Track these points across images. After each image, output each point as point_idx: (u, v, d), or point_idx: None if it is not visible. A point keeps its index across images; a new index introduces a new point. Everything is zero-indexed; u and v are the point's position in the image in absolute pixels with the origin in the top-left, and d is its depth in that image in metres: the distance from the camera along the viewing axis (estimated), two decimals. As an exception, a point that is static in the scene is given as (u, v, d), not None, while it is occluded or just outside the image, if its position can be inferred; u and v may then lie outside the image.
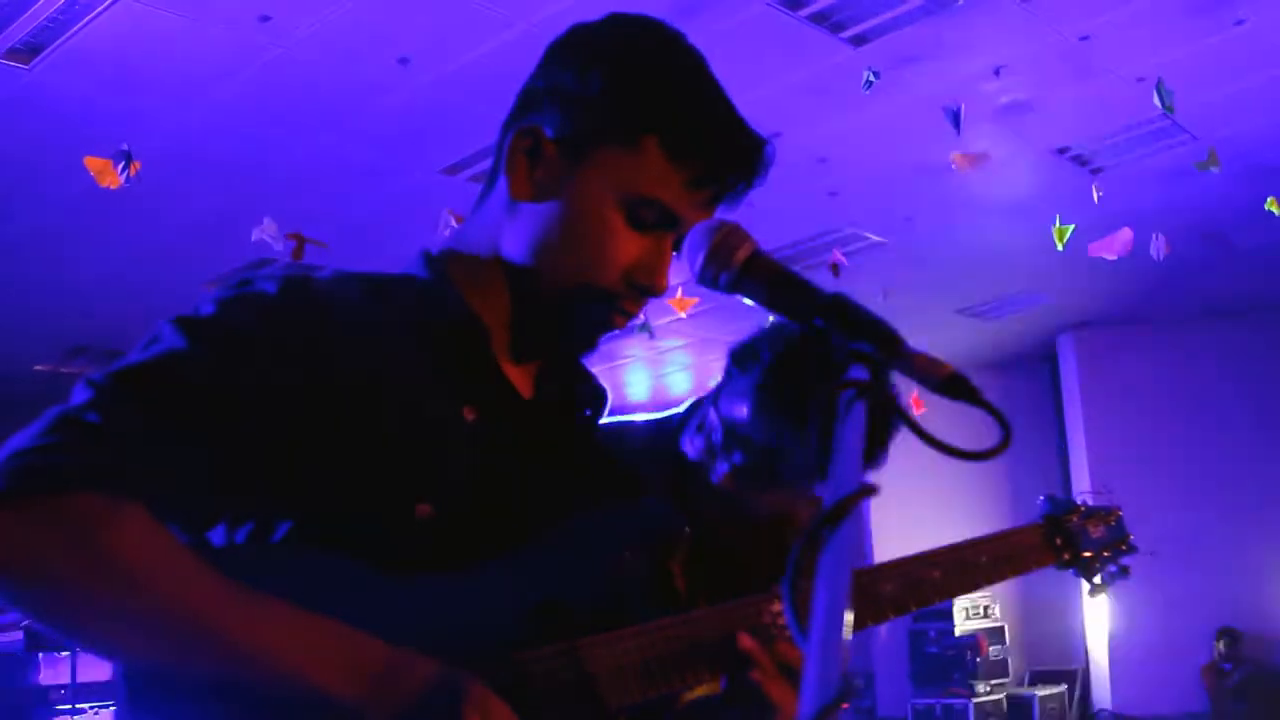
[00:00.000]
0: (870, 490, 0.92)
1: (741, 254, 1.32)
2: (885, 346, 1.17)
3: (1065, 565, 2.06)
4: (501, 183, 1.68)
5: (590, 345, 1.70)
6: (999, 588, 11.67)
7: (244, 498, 1.46)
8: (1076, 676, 13.67)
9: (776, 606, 1.66)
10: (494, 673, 1.41)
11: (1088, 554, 2.05)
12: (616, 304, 1.64)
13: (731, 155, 1.64)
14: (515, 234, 1.65)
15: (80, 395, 1.38)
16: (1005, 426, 1.14)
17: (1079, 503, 2.10)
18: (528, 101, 1.68)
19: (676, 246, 1.64)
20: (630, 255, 1.61)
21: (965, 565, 1.89)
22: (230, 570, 1.37)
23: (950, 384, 1.19)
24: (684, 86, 1.65)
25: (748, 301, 1.33)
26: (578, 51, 1.68)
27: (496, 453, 1.57)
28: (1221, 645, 12.29)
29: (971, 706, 12.43)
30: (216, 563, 1.39)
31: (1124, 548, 2.10)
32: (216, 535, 1.49)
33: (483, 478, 1.54)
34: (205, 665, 1.33)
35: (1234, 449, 12.56)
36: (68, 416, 1.35)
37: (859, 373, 1.12)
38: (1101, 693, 13.10)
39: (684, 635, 1.59)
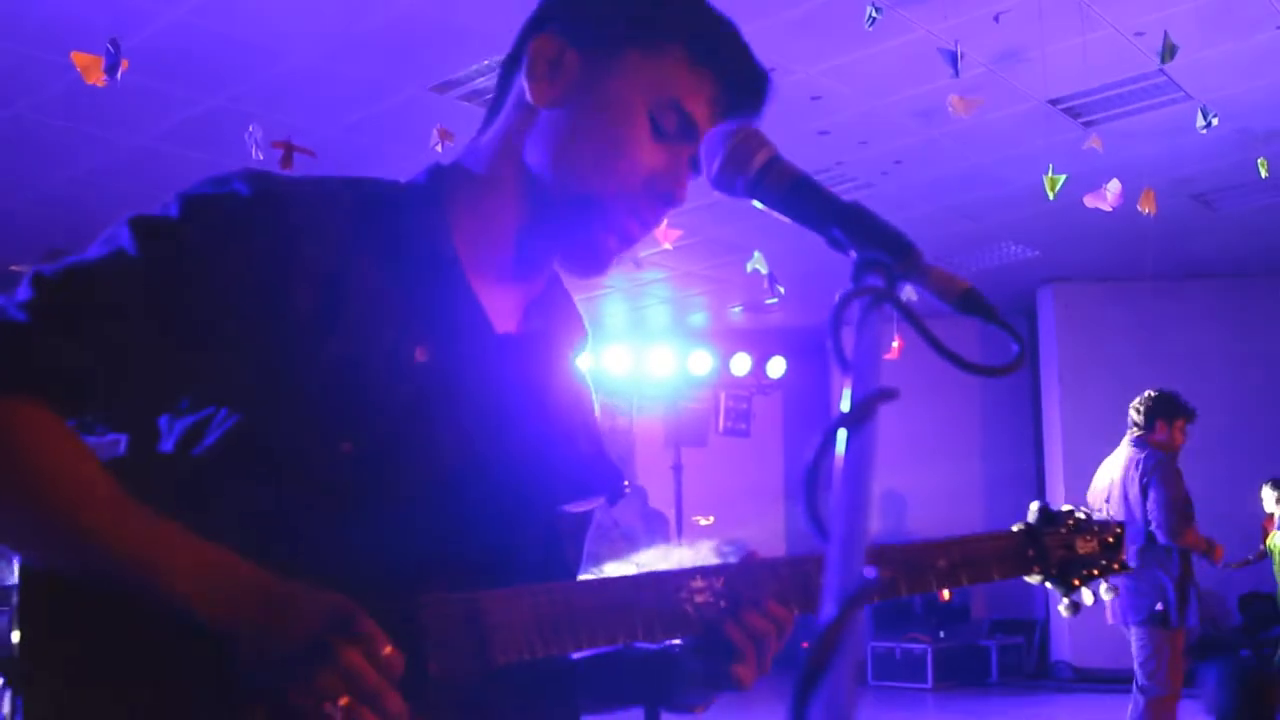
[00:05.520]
0: (890, 394, 0.90)
1: (760, 158, 1.29)
2: (902, 257, 1.15)
3: (1039, 579, 1.95)
4: (514, 95, 1.67)
5: (605, 261, 1.66)
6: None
7: (175, 405, 1.48)
8: (1036, 628, 13.81)
9: (697, 582, 1.63)
10: (387, 611, 1.41)
11: (1067, 570, 1.95)
12: (637, 211, 1.63)
13: (745, 74, 1.66)
14: (536, 142, 1.63)
15: (23, 292, 1.40)
16: (1020, 342, 1.13)
17: (1070, 514, 2.00)
18: (547, 10, 1.68)
19: (693, 165, 1.64)
20: (653, 162, 1.61)
21: (921, 568, 1.80)
22: (144, 480, 1.41)
23: (966, 299, 1.18)
24: (704, 1, 1.68)
25: (759, 205, 1.31)
26: None
27: (443, 397, 1.54)
28: (1181, 603, 12.42)
29: (931, 652, 12.56)
30: (131, 471, 1.42)
31: (1115, 568, 1.99)
32: (153, 429, 1.52)
33: (420, 423, 1.52)
34: (90, 573, 1.37)
35: (1204, 409, 12.63)
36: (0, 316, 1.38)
37: (875, 280, 1.10)
38: (1060, 645, 13.25)
39: (586, 601, 1.56)
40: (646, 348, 14.50)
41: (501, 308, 1.65)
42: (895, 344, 8.75)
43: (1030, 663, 13.59)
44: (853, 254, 1.16)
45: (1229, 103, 8.01)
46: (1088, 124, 8.45)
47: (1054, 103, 8.18)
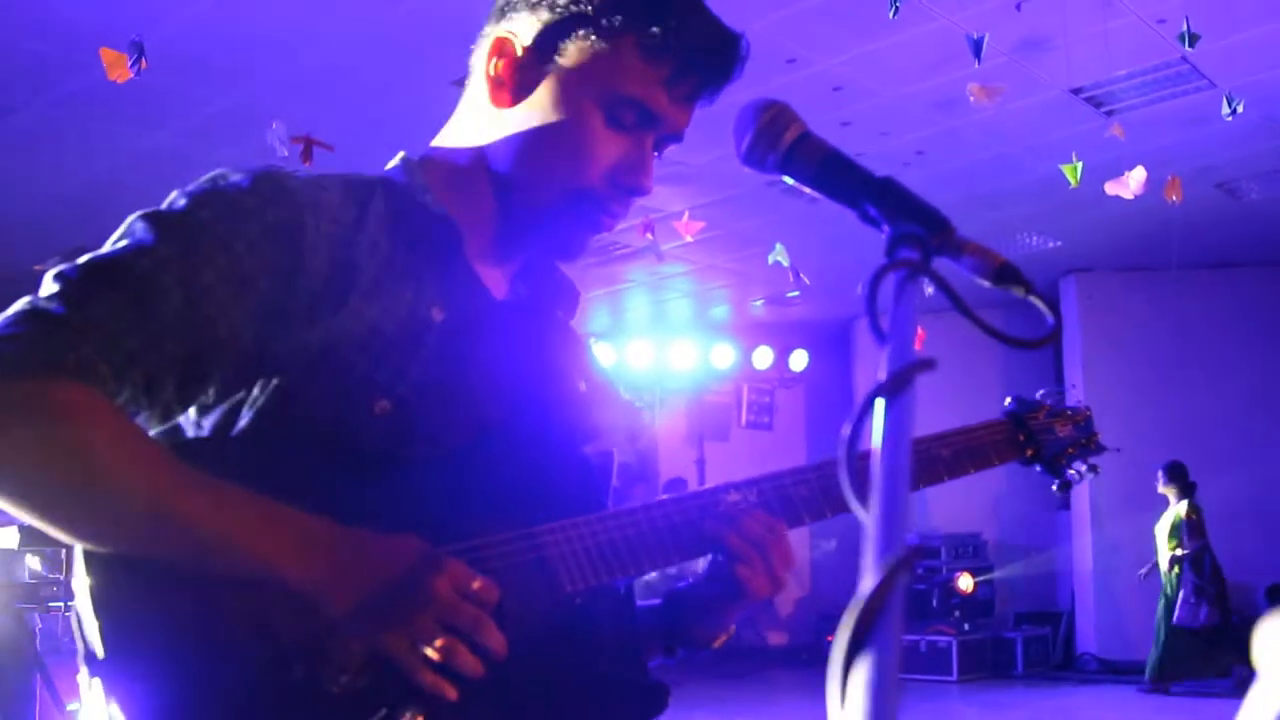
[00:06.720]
0: (927, 364, 0.90)
1: (790, 134, 1.29)
2: (937, 230, 1.15)
3: (1029, 461, 2.07)
4: (478, 90, 1.70)
5: (579, 249, 1.72)
6: (987, 530, 11.68)
7: (206, 388, 1.50)
8: (1061, 619, 13.76)
9: (734, 496, 1.70)
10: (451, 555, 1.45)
11: (1053, 451, 2.07)
12: (602, 204, 1.66)
13: (706, 52, 1.65)
14: (496, 140, 1.67)
15: (49, 287, 1.41)
16: (1056, 317, 1.12)
17: (1045, 402, 2.11)
18: (503, 9, 1.70)
19: (658, 146, 1.68)
20: (611, 155, 1.63)
21: (928, 458, 1.90)
22: (193, 461, 1.42)
23: (1003, 272, 1.18)
24: None
25: (789, 181, 1.31)
26: None
27: (463, 352, 1.59)
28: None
29: (955, 645, 12.52)
30: (179, 453, 1.44)
31: (1092, 446, 2.12)
32: (181, 426, 1.54)
33: (446, 377, 1.56)
34: (167, 550, 1.38)
35: (1227, 400, 12.59)
36: (34, 308, 1.39)
37: (910, 254, 1.10)
38: (1086, 637, 13.21)
39: (639, 524, 1.62)
40: (668, 341, 14.52)
41: (490, 277, 1.71)
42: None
43: (1056, 655, 13.53)
44: (886, 229, 1.16)
45: (1253, 90, 7.95)
46: (1110, 113, 8.40)
47: (1076, 92, 8.13)
